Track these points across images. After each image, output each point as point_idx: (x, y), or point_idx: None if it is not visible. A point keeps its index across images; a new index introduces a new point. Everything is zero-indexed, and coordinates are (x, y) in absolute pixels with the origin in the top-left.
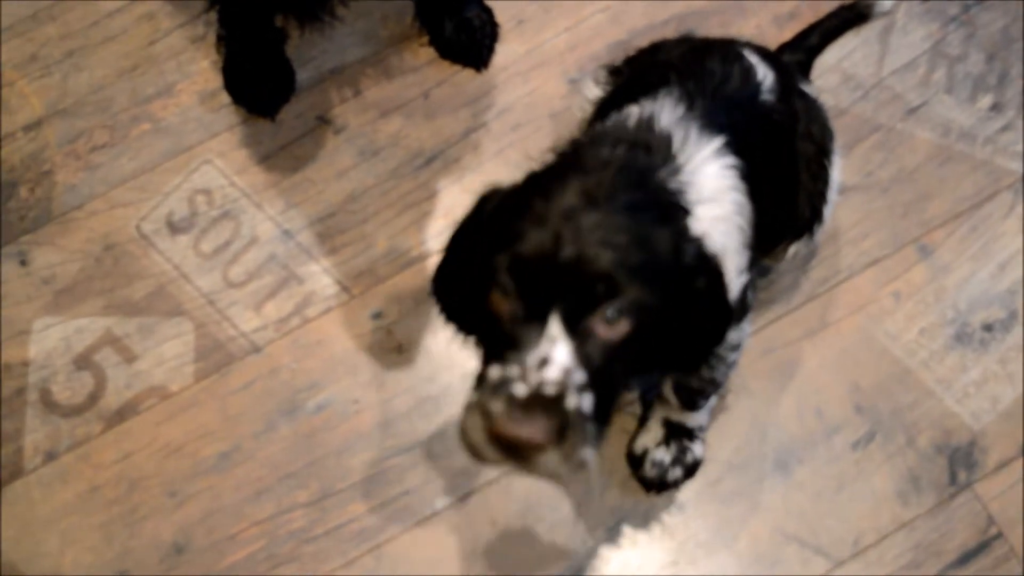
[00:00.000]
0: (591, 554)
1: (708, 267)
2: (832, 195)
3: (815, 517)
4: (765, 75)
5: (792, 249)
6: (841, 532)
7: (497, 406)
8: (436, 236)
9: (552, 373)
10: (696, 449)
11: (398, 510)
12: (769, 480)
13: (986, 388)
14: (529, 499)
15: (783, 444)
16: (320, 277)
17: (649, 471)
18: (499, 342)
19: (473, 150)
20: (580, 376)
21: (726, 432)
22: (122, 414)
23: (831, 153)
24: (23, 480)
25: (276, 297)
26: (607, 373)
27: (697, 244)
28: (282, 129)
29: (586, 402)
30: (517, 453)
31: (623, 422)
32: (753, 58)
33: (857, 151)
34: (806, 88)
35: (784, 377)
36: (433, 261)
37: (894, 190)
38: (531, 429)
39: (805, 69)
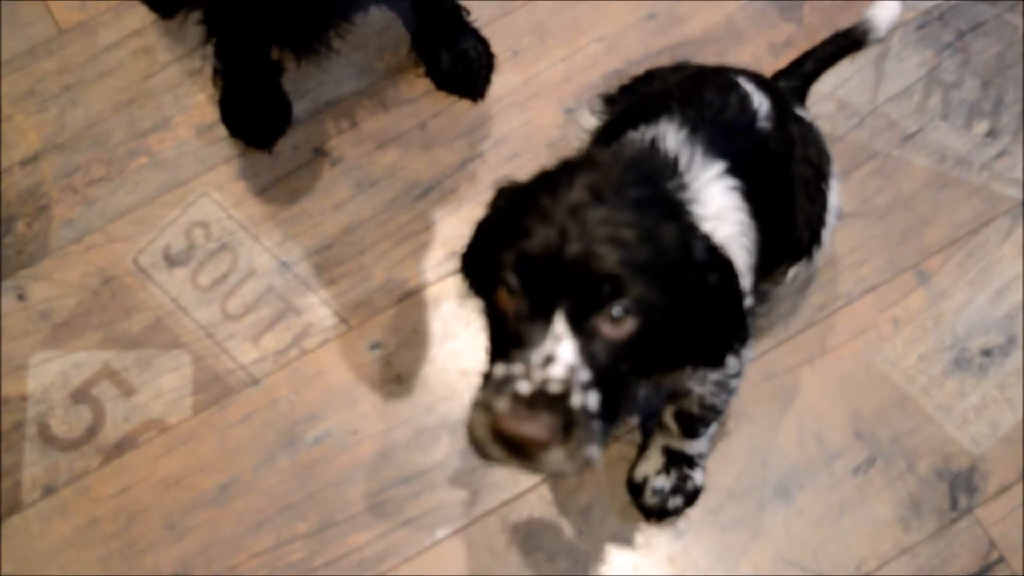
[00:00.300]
0: None
1: (719, 262)
2: (831, 218)
3: (816, 543)
4: (761, 103)
5: (791, 273)
6: (842, 558)
7: (501, 404)
8: (434, 267)
9: (557, 371)
10: (697, 477)
11: (398, 541)
12: (770, 507)
13: (986, 413)
14: (530, 528)
15: (784, 470)
16: (318, 309)
17: (649, 499)
18: (505, 339)
19: (470, 180)
20: (585, 374)
21: (726, 459)
22: (120, 447)
23: (829, 176)
24: (21, 514)
25: (274, 329)
26: (613, 372)
27: (706, 239)
28: (279, 161)
29: (592, 400)
30: (522, 451)
31: (623, 450)
32: (748, 86)
33: (854, 178)
34: (802, 113)
35: (784, 403)
36: (431, 291)
37: (891, 217)
38: (535, 427)
39: (801, 96)
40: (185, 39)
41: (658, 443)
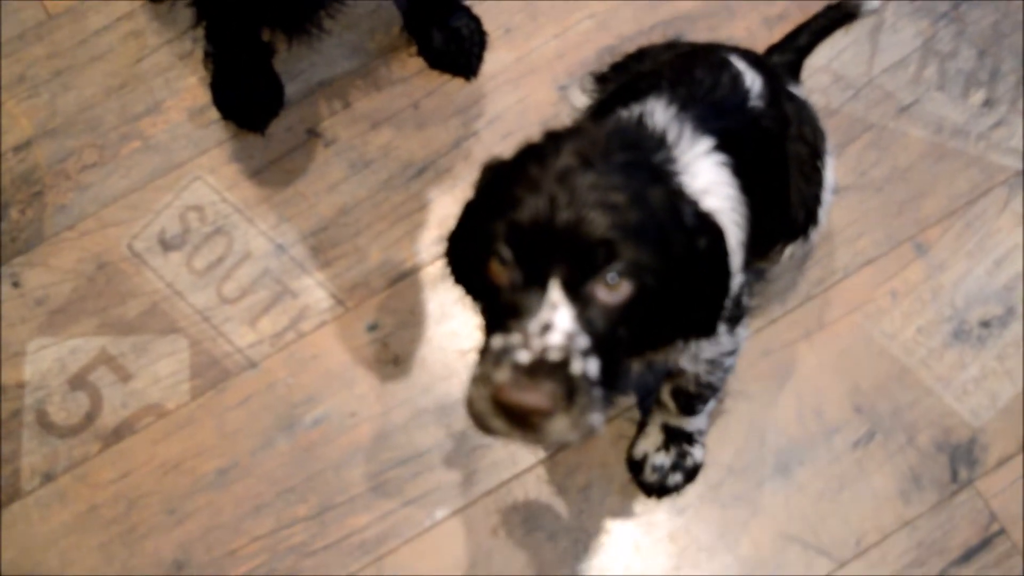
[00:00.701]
0: (592, 561)
1: (708, 226)
2: (826, 196)
3: (817, 518)
4: (753, 81)
5: (787, 251)
6: (843, 533)
7: (501, 375)
8: (429, 247)
9: (555, 339)
10: (696, 453)
11: (398, 522)
12: (770, 483)
13: (985, 385)
14: (529, 507)
15: (783, 446)
16: (314, 291)
17: (649, 476)
18: (500, 311)
19: (464, 159)
20: (584, 341)
21: (726, 436)
22: (119, 433)
23: (824, 154)
24: (21, 502)
25: (270, 312)
26: (611, 338)
27: (694, 204)
28: (272, 143)
29: (592, 367)
30: (524, 421)
31: (622, 428)
32: (740, 64)
33: (850, 151)
34: (796, 90)
35: (782, 379)
36: (427, 271)
37: (888, 189)
38: (537, 395)
39: (795, 70)
40: (175, 22)
41: (657, 420)
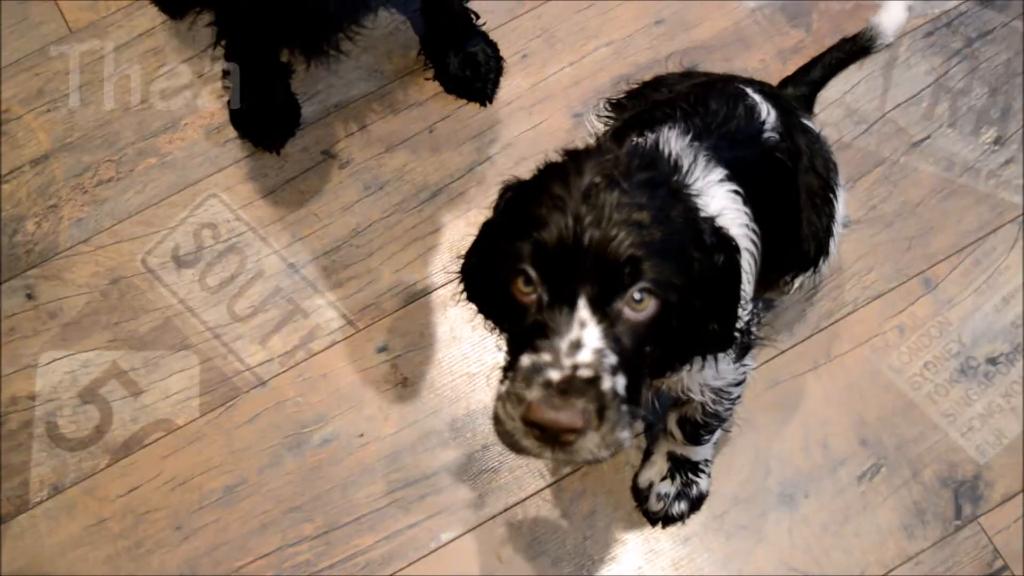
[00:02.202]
0: None
1: (725, 242)
2: (837, 228)
3: (820, 550)
4: (768, 113)
5: (797, 282)
6: (847, 566)
7: (533, 393)
8: (441, 270)
9: (585, 356)
10: (701, 482)
11: (404, 543)
12: (774, 513)
13: (991, 422)
14: (535, 532)
15: (788, 477)
16: (325, 311)
17: (654, 504)
18: (527, 330)
19: (478, 184)
20: (612, 358)
21: (731, 465)
22: (128, 447)
23: (836, 187)
24: (29, 513)
25: (282, 331)
26: (638, 355)
27: (711, 221)
28: (288, 163)
29: (620, 384)
30: (555, 439)
31: (628, 455)
32: (756, 96)
33: (861, 185)
34: (809, 123)
35: (789, 410)
36: (438, 294)
37: (898, 224)
38: (570, 414)
39: (808, 103)
40: (195, 40)
41: (663, 449)
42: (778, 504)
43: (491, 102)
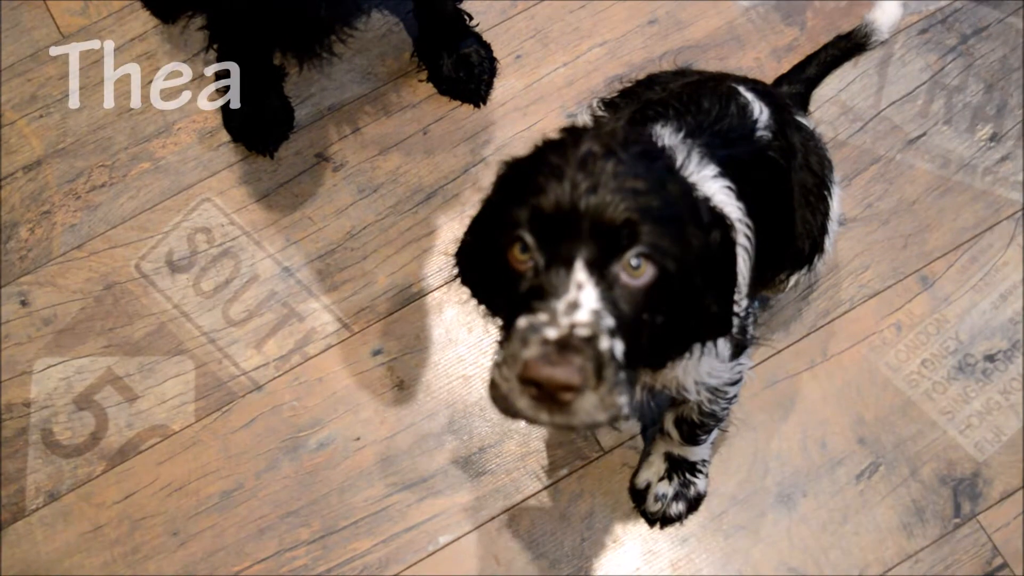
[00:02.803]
0: None
1: (721, 222)
2: (833, 226)
3: (819, 550)
4: (760, 111)
5: (792, 280)
6: (845, 564)
7: (530, 351)
8: (436, 272)
9: (583, 316)
10: (699, 483)
11: (401, 546)
12: (773, 513)
13: (989, 419)
14: (532, 534)
15: (786, 477)
16: (320, 314)
17: (652, 505)
18: (523, 296)
19: (472, 185)
20: (610, 321)
21: (729, 465)
22: (124, 453)
23: (831, 184)
24: (25, 520)
25: (277, 335)
26: (635, 322)
27: (707, 200)
28: (281, 167)
29: (618, 348)
30: (552, 400)
31: (625, 456)
32: (748, 94)
33: (857, 183)
34: (803, 120)
35: (786, 409)
36: (434, 297)
37: (894, 222)
38: (567, 370)
39: (803, 101)
40: (187, 44)
41: (660, 449)
42: (776, 504)
43: (485, 103)
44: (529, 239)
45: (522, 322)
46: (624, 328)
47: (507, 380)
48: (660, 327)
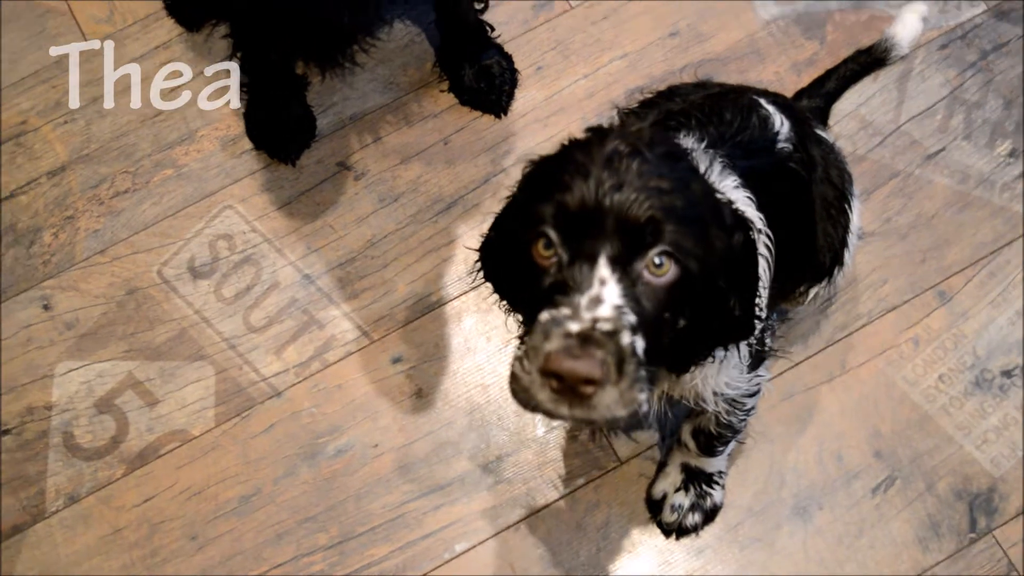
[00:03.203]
0: None
1: (744, 224)
2: (852, 239)
3: (834, 563)
4: (782, 123)
5: (812, 293)
6: None
7: (552, 343)
8: (456, 281)
9: (605, 311)
10: (715, 494)
11: (418, 554)
12: (788, 525)
13: (1006, 434)
14: (549, 543)
15: (802, 489)
16: (340, 322)
17: (668, 516)
18: (546, 291)
19: (493, 196)
20: (631, 318)
21: (745, 477)
22: (144, 457)
23: (850, 196)
24: (45, 522)
25: (297, 342)
26: (657, 321)
27: (729, 202)
28: (303, 175)
29: (639, 344)
30: (573, 393)
31: (642, 467)
32: (770, 107)
33: (875, 197)
34: (823, 134)
35: (803, 422)
36: (453, 306)
37: (912, 236)
38: (589, 362)
39: (823, 115)
40: (211, 52)
41: (677, 460)
42: (792, 516)
43: (506, 114)
44: (553, 235)
45: (544, 316)
46: (645, 325)
47: (528, 373)
48: (683, 329)
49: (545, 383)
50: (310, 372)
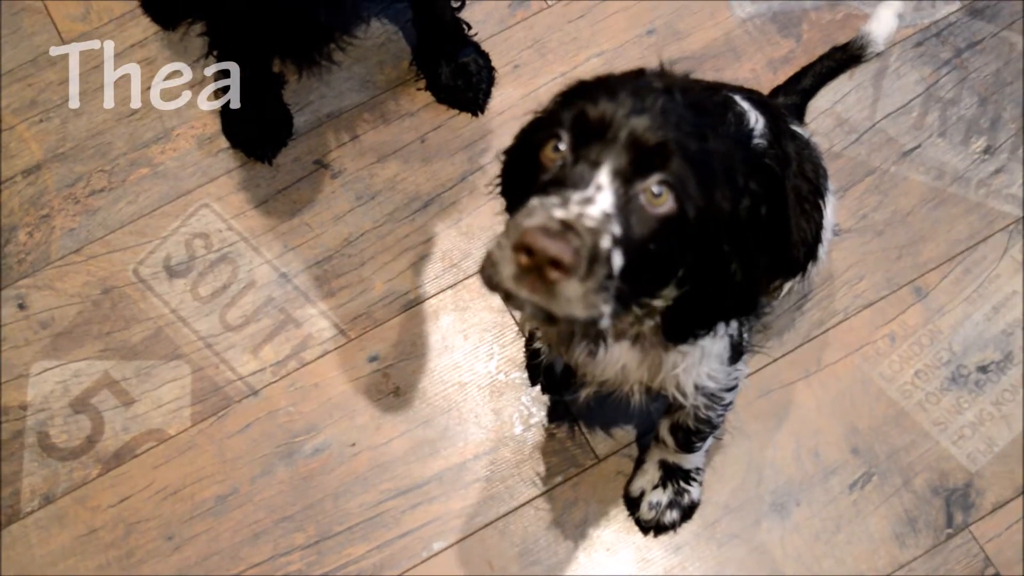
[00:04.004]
0: None
1: (755, 191)
2: (826, 234)
3: (812, 559)
4: (756, 120)
5: (786, 287)
6: (839, 574)
7: (533, 220)
8: (433, 279)
9: (594, 212)
10: (693, 491)
11: (395, 553)
12: (766, 522)
13: (982, 430)
14: (526, 541)
15: (780, 486)
16: (317, 320)
17: (646, 513)
18: (543, 184)
19: (470, 193)
20: (617, 230)
21: (723, 474)
22: (119, 457)
23: (825, 191)
24: (20, 523)
25: (273, 340)
26: (642, 250)
27: (749, 168)
28: (279, 173)
29: (616, 257)
30: (539, 276)
31: (619, 464)
32: (744, 103)
33: (851, 194)
34: (798, 129)
35: (780, 419)
36: (430, 304)
37: (888, 233)
38: (563, 245)
39: (799, 112)
40: (187, 51)
41: (655, 457)
42: (770, 513)
43: (483, 112)
44: (565, 138)
45: (534, 200)
46: (628, 245)
47: (502, 249)
48: (686, 291)
49: (515, 258)
50: (287, 371)
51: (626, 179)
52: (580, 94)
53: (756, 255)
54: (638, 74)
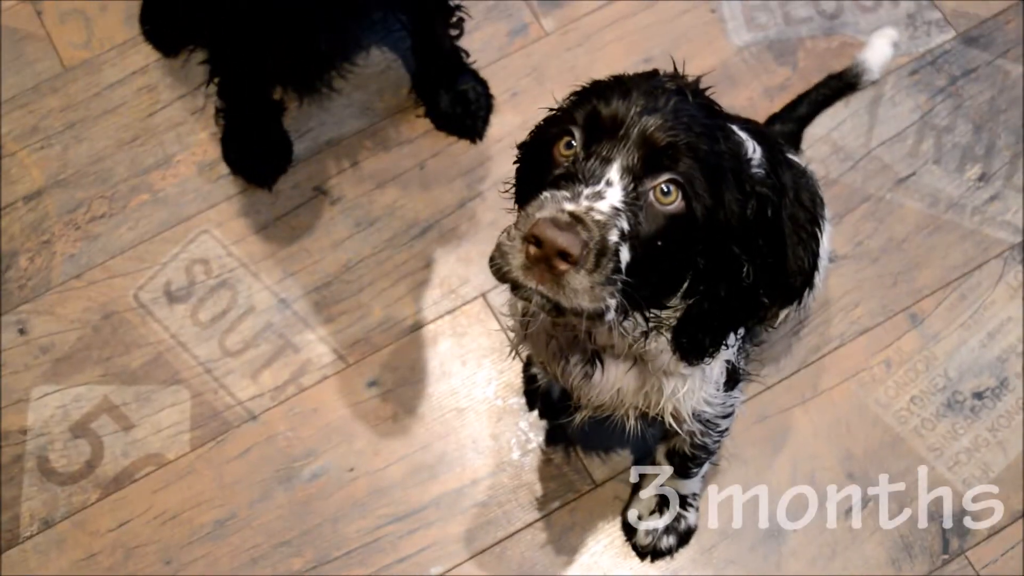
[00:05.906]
0: None
1: (762, 197)
2: (823, 262)
3: None
4: (754, 149)
5: (783, 314)
6: None
7: (543, 212)
8: (432, 305)
9: (603, 207)
10: (690, 516)
11: None
12: (763, 548)
13: (977, 456)
14: (523, 567)
15: (776, 511)
16: (316, 346)
17: (643, 539)
18: (553, 180)
19: (468, 220)
20: (625, 225)
21: (720, 499)
22: (119, 482)
23: (822, 220)
24: (19, 547)
25: (272, 366)
26: (647, 245)
27: (754, 174)
28: (279, 199)
29: (623, 252)
30: (546, 266)
31: (617, 489)
32: (742, 133)
33: (847, 221)
34: (795, 157)
35: (777, 444)
36: (429, 330)
37: (884, 260)
38: (571, 237)
39: (795, 139)
40: (188, 78)
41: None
42: (766, 538)
43: (481, 139)
44: (578, 135)
45: (545, 194)
46: (636, 241)
47: (511, 240)
48: (698, 299)
49: (523, 249)
50: (286, 396)
51: (636, 176)
52: (594, 92)
53: (765, 257)
54: (651, 75)
